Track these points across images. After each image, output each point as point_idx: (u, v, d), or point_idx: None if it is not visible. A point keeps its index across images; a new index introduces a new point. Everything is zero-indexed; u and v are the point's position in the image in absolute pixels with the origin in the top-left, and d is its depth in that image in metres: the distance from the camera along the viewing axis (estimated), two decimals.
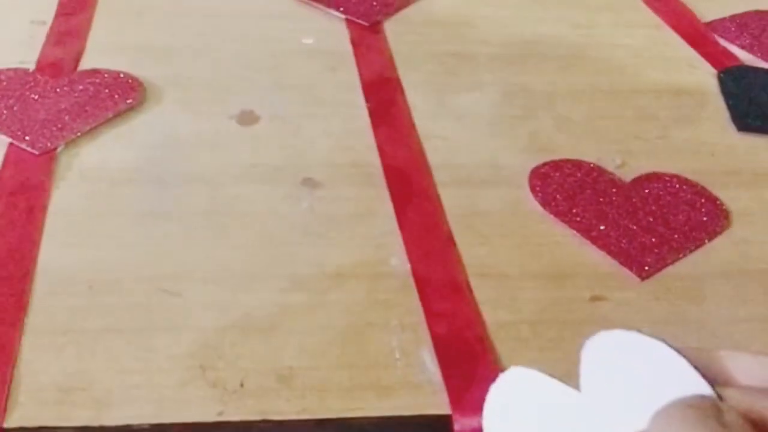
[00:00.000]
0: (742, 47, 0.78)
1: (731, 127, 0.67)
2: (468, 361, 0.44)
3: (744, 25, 0.81)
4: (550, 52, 0.75)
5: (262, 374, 0.43)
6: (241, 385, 0.42)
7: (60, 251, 0.49)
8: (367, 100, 0.66)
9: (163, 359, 0.43)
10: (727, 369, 0.28)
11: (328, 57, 0.72)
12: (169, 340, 0.44)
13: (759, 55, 0.78)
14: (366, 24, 0.76)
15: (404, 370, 0.44)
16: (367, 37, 0.75)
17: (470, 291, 0.49)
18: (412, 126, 0.64)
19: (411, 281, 0.50)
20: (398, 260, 0.51)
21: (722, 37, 0.80)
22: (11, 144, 0.57)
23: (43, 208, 0.52)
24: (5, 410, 0.39)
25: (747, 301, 0.50)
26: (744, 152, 0.64)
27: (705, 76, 0.74)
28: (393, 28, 0.77)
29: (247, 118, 0.63)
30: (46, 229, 0.51)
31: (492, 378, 0.43)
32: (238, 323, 0.46)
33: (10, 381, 0.41)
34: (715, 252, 0.54)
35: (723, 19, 0.83)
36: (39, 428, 0.39)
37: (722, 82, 0.72)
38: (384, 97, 0.67)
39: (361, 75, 0.69)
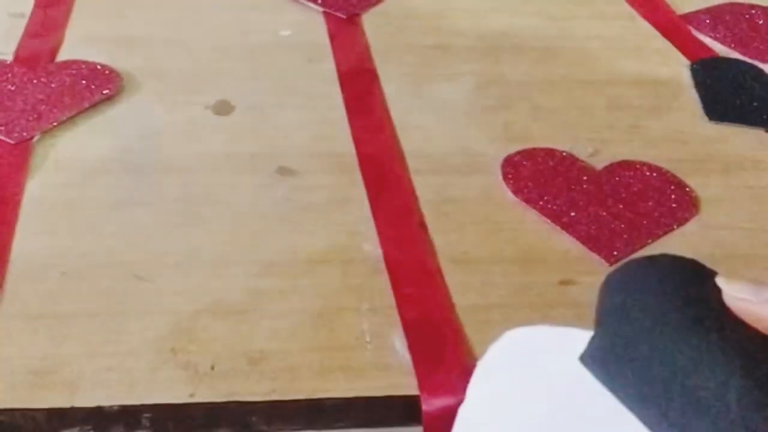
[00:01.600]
0: (716, 39, 0.79)
1: (703, 117, 0.68)
2: (437, 343, 0.45)
3: (718, 18, 0.82)
4: (526, 44, 0.76)
5: (233, 357, 0.43)
6: (212, 368, 0.43)
7: (33, 239, 0.50)
8: (344, 90, 0.67)
9: (135, 343, 0.43)
10: None
11: (306, 49, 0.72)
12: (141, 324, 0.45)
13: (733, 46, 0.79)
14: (343, 16, 0.77)
15: (374, 353, 0.44)
16: (344, 30, 0.75)
17: (441, 276, 0.50)
18: (388, 116, 0.64)
19: (383, 266, 0.50)
20: (370, 246, 0.52)
21: (697, 29, 0.81)
22: None
23: (18, 197, 0.52)
24: None
25: None
26: (715, 141, 0.65)
27: (678, 67, 0.75)
28: (370, 21, 0.77)
29: (223, 108, 0.63)
30: (20, 218, 0.51)
31: (460, 360, 0.44)
32: (210, 307, 0.46)
33: None
34: (684, 238, 0.55)
35: (698, 12, 0.84)
36: (10, 410, 0.40)
37: (695, 73, 0.73)
38: (360, 88, 0.68)
39: (337, 66, 0.70)
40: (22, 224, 0.50)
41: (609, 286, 0.37)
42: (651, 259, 0.37)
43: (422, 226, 0.54)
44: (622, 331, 0.34)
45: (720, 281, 0.33)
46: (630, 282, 0.36)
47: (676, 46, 0.78)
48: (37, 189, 0.53)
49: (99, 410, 0.40)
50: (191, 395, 0.41)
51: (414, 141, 0.62)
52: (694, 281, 0.34)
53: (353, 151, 0.60)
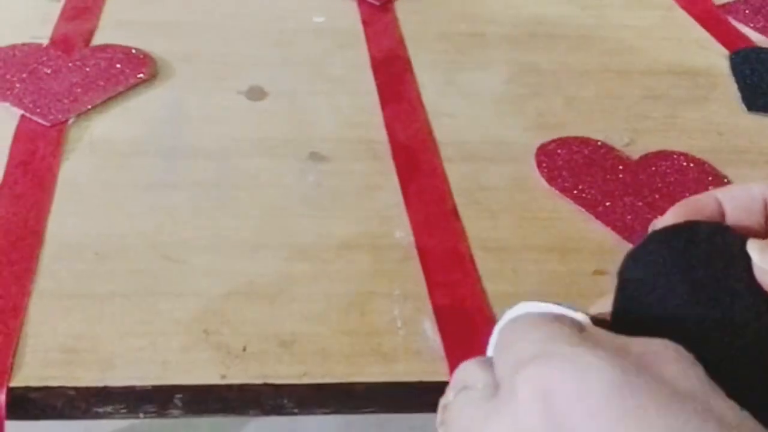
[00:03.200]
0: (755, 29, 0.78)
1: (741, 108, 0.67)
2: (468, 330, 0.45)
3: (757, 7, 0.81)
4: (559, 32, 0.75)
5: (265, 339, 0.43)
6: (244, 350, 0.43)
7: (68, 220, 0.50)
8: (377, 77, 0.66)
9: (168, 323, 0.44)
10: (719, 203, 0.31)
11: (338, 35, 0.72)
12: (174, 305, 0.45)
13: None
14: (377, 3, 0.77)
15: (405, 338, 0.44)
16: (377, 17, 0.75)
17: (472, 263, 0.49)
18: (420, 103, 0.64)
19: (414, 253, 0.50)
20: (402, 233, 0.51)
21: (735, 18, 0.80)
22: (23, 116, 0.58)
23: (53, 179, 0.53)
24: (11, 370, 0.40)
25: None
26: (753, 132, 0.64)
27: (716, 57, 0.74)
28: (403, 8, 0.77)
29: (256, 94, 0.63)
30: (55, 199, 0.51)
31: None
32: (242, 290, 0.46)
33: (17, 342, 0.42)
34: None
35: (736, 1, 0.82)
36: (44, 388, 0.40)
37: (733, 63, 0.72)
38: (393, 75, 0.67)
39: (370, 53, 0.70)
40: (57, 205, 0.51)
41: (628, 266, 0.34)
42: (673, 232, 0.34)
43: (454, 213, 0.53)
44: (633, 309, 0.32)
45: (752, 250, 0.31)
46: (647, 262, 0.34)
47: (714, 36, 0.77)
48: (72, 171, 0.54)
49: (132, 390, 0.40)
50: (223, 377, 0.41)
51: (446, 129, 0.61)
52: (716, 254, 0.32)
53: (385, 138, 0.60)
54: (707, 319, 0.29)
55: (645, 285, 0.32)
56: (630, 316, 0.32)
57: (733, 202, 0.31)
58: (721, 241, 0.32)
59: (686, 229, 0.33)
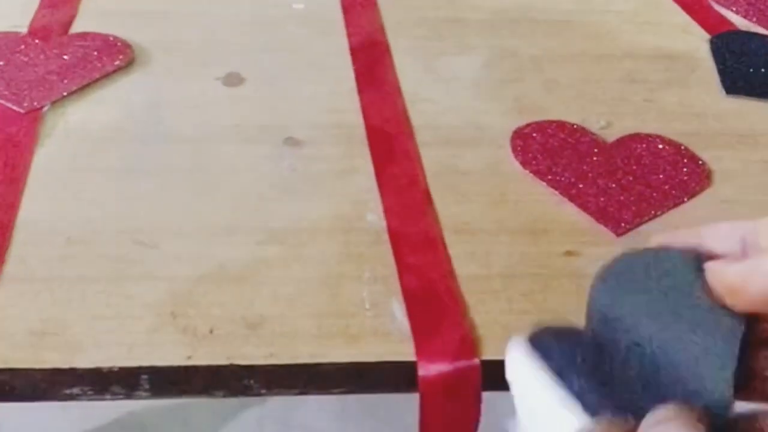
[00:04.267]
0: (737, 12, 0.78)
1: (720, 91, 0.67)
2: (436, 312, 0.45)
3: None
4: (540, 18, 0.75)
5: (232, 321, 0.43)
6: (211, 332, 0.43)
7: (40, 205, 0.50)
8: (355, 62, 0.66)
9: (136, 306, 0.44)
10: (706, 241, 0.32)
11: (318, 22, 0.72)
12: (143, 288, 0.45)
13: (754, 20, 0.77)
14: None
15: (373, 320, 0.44)
16: (358, 3, 0.75)
17: (443, 245, 0.49)
18: (398, 89, 0.64)
19: (386, 236, 0.50)
20: (374, 216, 0.51)
21: (717, 3, 0.79)
22: None
23: (27, 165, 0.53)
24: None
25: None
26: (731, 115, 0.64)
27: (697, 41, 0.73)
28: None
29: (233, 80, 0.63)
30: (28, 185, 0.52)
31: (458, 328, 0.44)
32: (211, 274, 0.46)
33: None
34: (696, 211, 0.54)
35: None
36: (11, 369, 0.40)
37: (714, 46, 0.72)
38: (371, 61, 0.67)
39: (349, 39, 0.70)
40: (30, 191, 0.51)
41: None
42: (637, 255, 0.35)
43: (427, 197, 0.53)
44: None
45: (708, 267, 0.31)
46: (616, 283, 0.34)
47: (696, 20, 0.76)
48: (46, 157, 0.54)
49: (98, 371, 0.41)
50: (189, 358, 0.41)
51: (423, 114, 0.62)
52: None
53: (362, 123, 0.60)
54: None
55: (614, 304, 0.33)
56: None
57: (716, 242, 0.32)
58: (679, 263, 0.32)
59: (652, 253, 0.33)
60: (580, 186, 0.54)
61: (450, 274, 0.47)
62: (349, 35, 0.70)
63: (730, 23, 0.77)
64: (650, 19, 0.77)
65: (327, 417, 1.12)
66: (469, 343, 0.43)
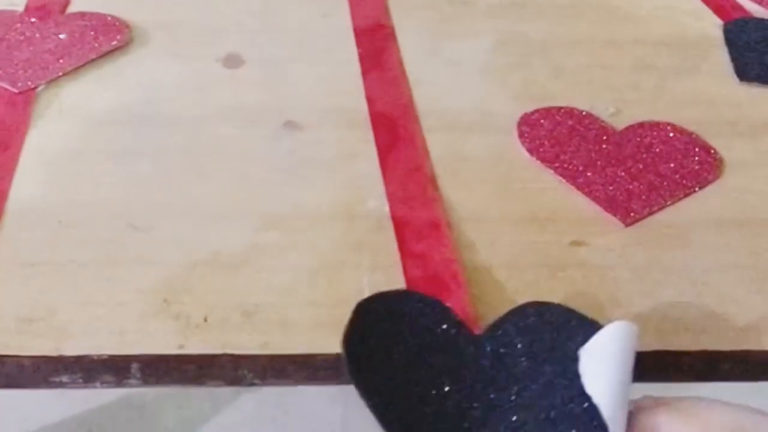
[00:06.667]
0: None
1: (733, 79, 0.65)
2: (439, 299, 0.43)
3: None
4: (549, 1, 0.73)
5: (227, 309, 0.42)
6: (205, 320, 0.41)
7: (32, 187, 0.49)
8: (359, 45, 0.65)
9: (128, 292, 0.43)
10: None
11: (321, 3, 0.70)
12: (135, 274, 0.44)
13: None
14: None
15: None
16: None
17: (448, 233, 0.48)
18: (403, 72, 0.62)
19: (388, 223, 0.49)
20: (376, 202, 0.50)
21: None
22: None
23: (19, 145, 0.52)
24: None
25: (733, 250, 0.49)
26: (744, 103, 0.62)
27: (710, 27, 0.72)
28: None
29: (233, 62, 0.62)
30: (20, 166, 0.50)
31: (462, 315, 0.42)
32: (207, 260, 0.45)
33: None
34: (706, 200, 0.53)
35: None
36: None
37: (727, 33, 0.70)
38: (375, 44, 0.66)
39: (353, 21, 0.68)
40: (22, 172, 0.50)
41: None
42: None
43: (432, 183, 0.52)
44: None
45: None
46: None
47: (708, 6, 0.74)
48: (39, 138, 0.53)
49: (87, 359, 0.39)
50: (181, 346, 0.40)
51: (428, 98, 0.60)
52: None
53: (365, 106, 0.58)
54: None
55: None
56: None
57: None
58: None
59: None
60: (588, 174, 0.53)
61: (455, 262, 0.46)
62: (353, 17, 0.68)
63: (743, 9, 0.75)
64: (661, 5, 0.75)
65: (325, 400, 1.11)
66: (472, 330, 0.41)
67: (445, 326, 0.40)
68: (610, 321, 0.38)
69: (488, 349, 0.39)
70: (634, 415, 0.35)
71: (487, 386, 0.38)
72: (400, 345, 0.38)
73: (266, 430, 1.09)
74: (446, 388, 0.37)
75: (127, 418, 1.10)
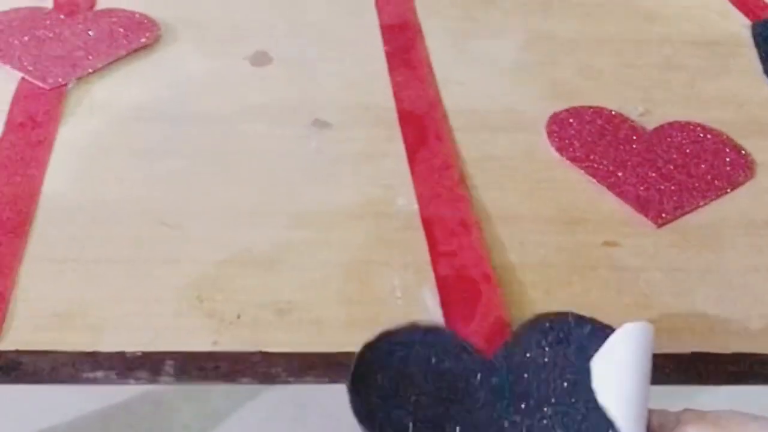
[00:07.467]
0: None
1: (762, 78, 0.64)
2: (469, 300, 0.43)
3: None
4: (576, 0, 0.73)
5: (260, 307, 0.42)
6: (238, 317, 0.42)
7: (64, 184, 0.49)
8: (386, 44, 0.65)
9: (161, 290, 0.43)
10: None
11: (348, 1, 0.70)
12: (168, 271, 0.44)
13: None
14: None
15: (404, 308, 0.43)
16: None
17: (478, 233, 0.48)
18: (430, 71, 0.62)
19: (417, 222, 0.48)
20: (405, 201, 0.50)
21: None
22: (23, 79, 0.57)
23: (50, 142, 0.52)
24: (0, 333, 0.39)
25: (767, 252, 0.48)
26: None
27: (738, 27, 0.71)
28: None
29: (261, 59, 0.62)
30: (51, 162, 0.50)
31: (491, 318, 0.42)
32: (238, 257, 0.45)
33: (7, 305, 0.41)
34: (738, 201, 0.52)
35: None
36: (33, 352, 0.39)
37: (755, 32, 0.69)
38: (403, 42, 0.65)
39: (380, 19, 0.68)
40: (53, 169, 0.50)
41: None
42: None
43: (462, 182, 0.52)
44: None
45: None
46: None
47: (735, 5, 0.74)
48: (70, 135, 0.53)
49: (122, 355, 0.39)
50: (215, 343, 0.40)
51: (456, 97, 0.60)
52: None
53: (392, 105, 0.58)
54: None
55: None
56: None
57: None
58: None
59: None
60: (619, 174, 0.53)
61: (485, 262, 0.46)
62: (380, 15, 0.68)
63: None
64: (688, 4, 0.74)
65: (344, 397, 1.11)
66: (503, 331, 0.41)
67: (453, 356, 0.39)
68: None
69: (499, 374, 0.39)
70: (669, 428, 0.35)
71: (499, 414, 0.37)
72: (407, 382, 0.38)
73: (285, 428, 1.09)
74: (457, 428, 0.37)
75: (145, 414, 1.11)
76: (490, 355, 0.39)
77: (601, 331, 0.39)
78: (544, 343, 0.39)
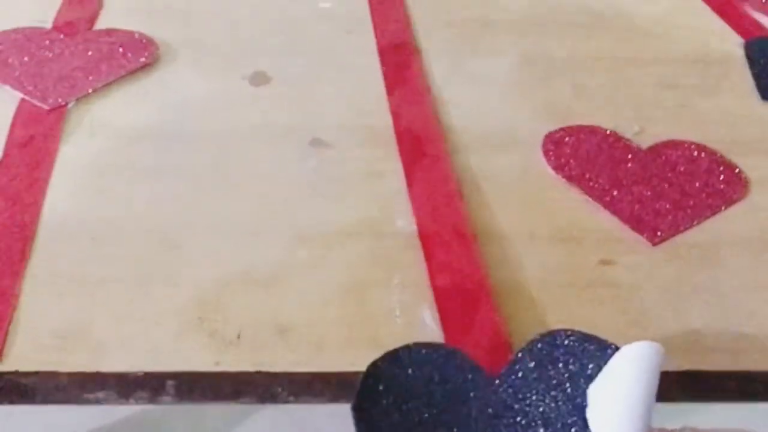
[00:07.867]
0: None
1: (755, 97, 0.65)
2: (467, 315, 0.44)
3: None
4: (571, 19, 0.74)
5: (260, 327, 0.42)
6: (239, 337, 0.42)
7: (65, 203, 0.49)
8: (384, 63, 0.65)
9: (162, 310, 0.43)
10: None
11: (346, 21, 0.71)
12: (168, 291, 0.44)
13: None
14: None
15: (403, 328, 0.43)
16: (385, 2, 0.74)
17: (476, 251, 0.48)
18: (427, 90, 0.63)
19: (416, 241, 0.49)
20: (404, 221, 0.50)
21: (751, 7, 0.78)
22: (23, 99, 0.57)
23: (51, 162, 0.52)
24: (1, 353, 0.40)
25: (762, 270, 0.49)
26: (767, 122, 0.62)
27: (731, 46, 0.72)
28: None
29: (260, 79, 0.62)
30: (52, 182, 0.51)
31: (489, 333, 0.43)
32: (238, 277, 0.45)
33: (9, 325, 0.41)
34: (733, 220, 0.53)
35: None
36: (35, 372, 0.39)
37: (748, 51, 0.70)
38: (400, 62, 0.66)
39: (377, 39, 0.69)
40: (54, 189, 0.50)
41: None
42: None
43: (459, 200, 0.52)
44: None
45: None
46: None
47: (729, 24, 0.75)
48: (70, 154, 0.53)
49: (123, 376, 0.40)
50: (216, 364, 0.40)
51: (453, 116, 0.60)
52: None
53: (390, 124, 0.59)
54: None
55: None
56: None
57: None
58: None
59: None
60: (615, 193, 0.53)
61: (483, 278, 0.46)
62: (377, 35, 0.69)
63: (764, 28, 0.75)
64: (682, 23, 0.75)
65: (342, 416, 1.11)
66: (503, 345, 0.42)
67: (457, 375, 0.39)
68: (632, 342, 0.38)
69: (502, 393, 0.39)
70: None
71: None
72: (411, 403, 0.38)
73: None
74: None
75: None
76: (493, 374, 0.39)
77: (603, 349, 0.39)
78: (547, 361, 0.39)
